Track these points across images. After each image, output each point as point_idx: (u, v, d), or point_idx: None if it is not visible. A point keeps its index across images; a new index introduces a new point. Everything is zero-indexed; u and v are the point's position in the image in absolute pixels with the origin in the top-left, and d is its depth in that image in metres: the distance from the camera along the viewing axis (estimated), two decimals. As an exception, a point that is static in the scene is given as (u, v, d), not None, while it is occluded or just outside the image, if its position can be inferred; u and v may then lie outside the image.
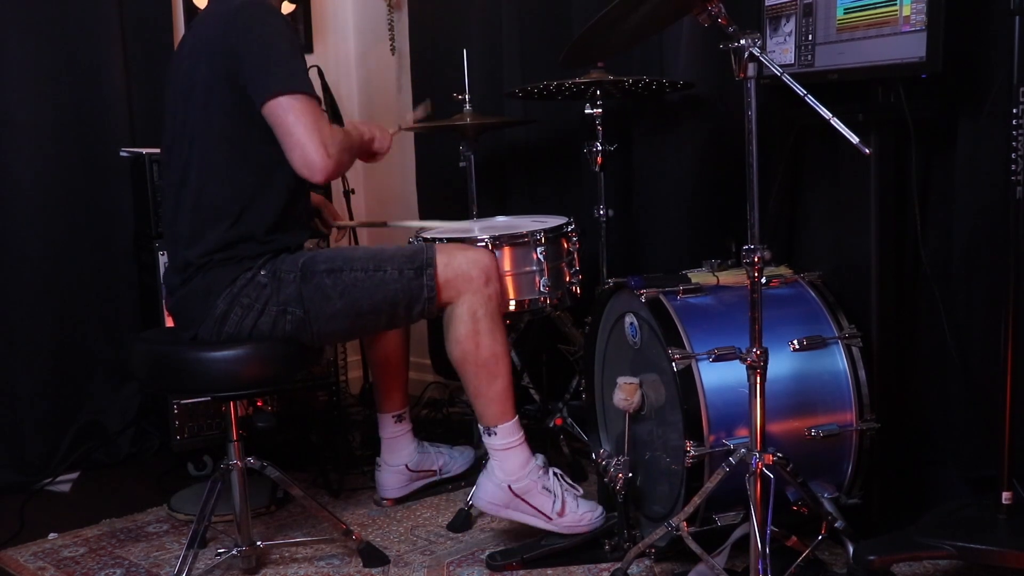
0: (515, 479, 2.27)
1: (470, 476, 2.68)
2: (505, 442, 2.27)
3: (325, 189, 3.02)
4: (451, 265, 2.22)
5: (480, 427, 2.30)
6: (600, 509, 2.33)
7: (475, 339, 2.22)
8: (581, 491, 2.36)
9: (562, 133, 3.16)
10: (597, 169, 2.74)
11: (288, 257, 2.19)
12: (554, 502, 2.28)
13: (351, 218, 3.12)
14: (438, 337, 2.37)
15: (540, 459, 2.33)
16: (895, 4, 2.08)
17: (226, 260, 2.14)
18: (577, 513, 2.29)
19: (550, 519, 2.27)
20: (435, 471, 2.73)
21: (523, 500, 2.27)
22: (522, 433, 2.30)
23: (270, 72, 2.05)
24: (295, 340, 2.17)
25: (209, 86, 2.11)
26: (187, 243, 2.17)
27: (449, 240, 2.48)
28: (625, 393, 2.19)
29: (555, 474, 2.33)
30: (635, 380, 2.19)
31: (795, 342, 2.11)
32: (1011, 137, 1.86)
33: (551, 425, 2.72)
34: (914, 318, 2.34)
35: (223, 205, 2.14)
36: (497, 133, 3.27)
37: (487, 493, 2.30)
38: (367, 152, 2.39)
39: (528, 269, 2.49)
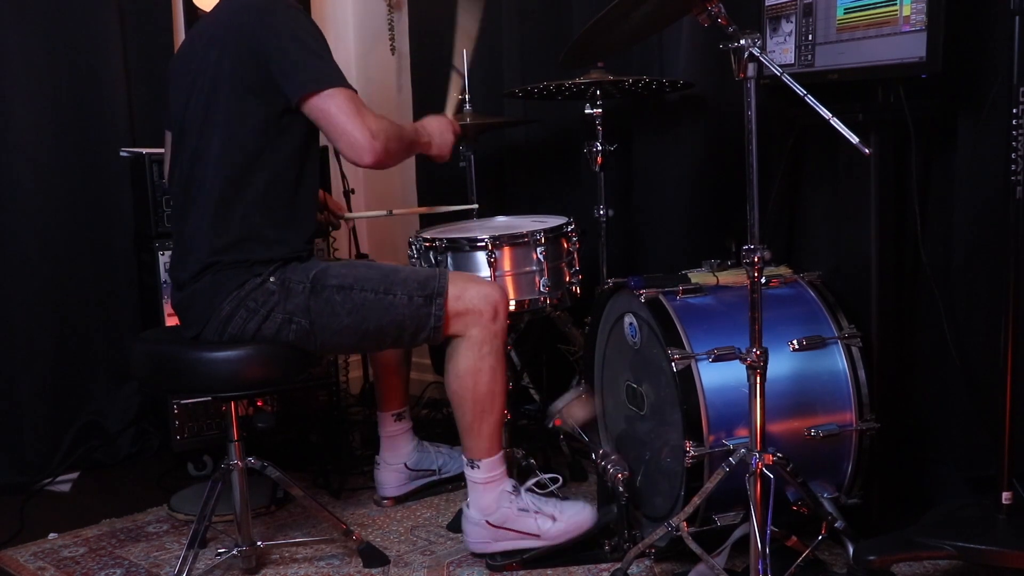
0: (489, 513, 2.25)
1: (470, 476, 2.69)
2: (487, 476, 2.26)
3: (324, 190, 3.03)
4: (462, 298, 2.19)
5: (464, 459, 2.29)
6: (588, 507, 2.30)
7: (475, 376, 2.20)
8: (560, 499, 2.32)
9: (562, 133, 3.16)
10: (597, 169, 2.74)
11: (299, 266, 2.18)
12: (528, 522, 2.26)
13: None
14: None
15: (510, 484, 2.30)
16: (895, 4, 2.09)
17: (236, 263, 2.14)
18: (563, 521, 2.26)
19: (538, 536, 2.26)
20: (434, 471, 2.73)
21: (505, 529, 2.25)
22: (504, 468, 2.29)
23: (303, 70, 2.07)
24: (297, 346, 2.17)
25: (225, 82, 2.11)
26: (195, 240, 2.17)
27: (451, 242, 2.48)
28: (577, 412, 2.17)
29: (528, 491, 2.31)
30: (576, 392, 2.17)
31: (795, 342, 2.11)
32: (1011, 137, 1.86)
33: (551, 426, 2.72)
34: (914, 318, 2.34)
35: (231, 202, 2.14)
36: (497, 133, 3.27)
37: (471, 536, 2.29)
38: (424, 145, 2.36)
39: (528, 269, 2.48)
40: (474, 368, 2.20)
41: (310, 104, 2.08)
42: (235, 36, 2.12)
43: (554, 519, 2.26)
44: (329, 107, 2.07)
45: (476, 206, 2.87)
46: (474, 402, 2.21)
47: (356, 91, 2.12)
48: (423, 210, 2.75)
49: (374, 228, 3.99)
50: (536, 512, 2.27)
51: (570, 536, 2.27)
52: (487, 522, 2.25)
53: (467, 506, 2.31)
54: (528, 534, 2.26)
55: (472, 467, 2.26)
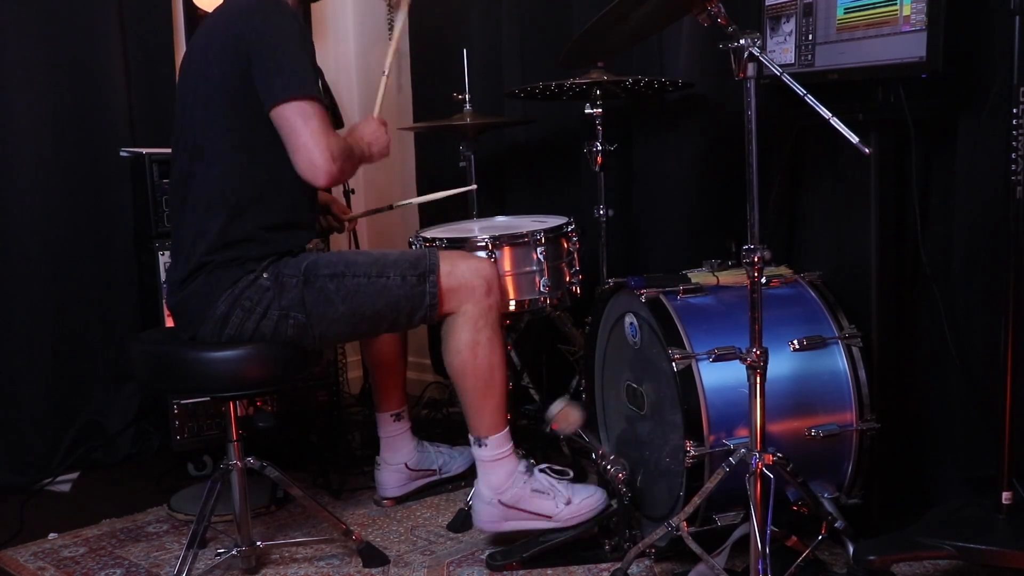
0: (502, 491, 2.26)
1: (470, 476, 2.68)
2: (494, 453, 2.26)
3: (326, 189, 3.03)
4: (453, 273, 2.21)
5: (470, 437, 2.29)
6: (600, 492, 2.31)
7: (474, 350, 2.21)
8: (571, 474, 2.34)
9: (562, 133, 3.16)
10: (597, 169, 2.74)
11: (290, 260, 2.18)
12: (540, 503, 2.26)
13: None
14: (437, 337, 2.37)
15: (523, 464, 2.31)
16: (895, 4, 2.09)
17: (228, 262, 2.14)
18: (576, 502, 2.28)
19: (550, 518, 2.27)
20: (434, 471, 2.73)
21: (517, 509, 2.27)
22: (511, 444, 2.30)
23: (279, 76, 2.06)
24: (296, 344, 2.17)
25: (218, 83, 2.11)
26: (191, 240, 2.17)
27: (451, 242, 2.49)
28: (571, 417, 2.23)
29: (541, 471, 2.32)
30: (559, 406, 2.24)
31: (795, 342, 2.11)
32: (1011, 137, 1.86)
33: (548, 431, 2.72)
34: (914, 318, 2.34)
35: (227, 202, 2.14)
36: (497, 133, 3.27)
37: (481, 514, 2.30)
38: (368, 158, 2.36)
39: (528, 269, 2.49)
40: (471, 342, 2.21)
41: (276, 113, 2.07)
42: (224, 39, 2.12)
43: (568, 501, 2.28)
44: (295, 120, 2.06)
45: (474, 187, 2.86)
46: (475, 377, 2.22)
47: (325, 104, 2.12)
48: (424, 199, 2.74)
49: (374, 227, 3.98)
50: (549, 493, 2.27)
51: (582, 519, 2.28)
52: (499, 501, 2.26)
53: (475, 487, 2.31)
54: (540, 515, 2.27)
55: (479, 445, 2.27)
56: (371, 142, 2.33)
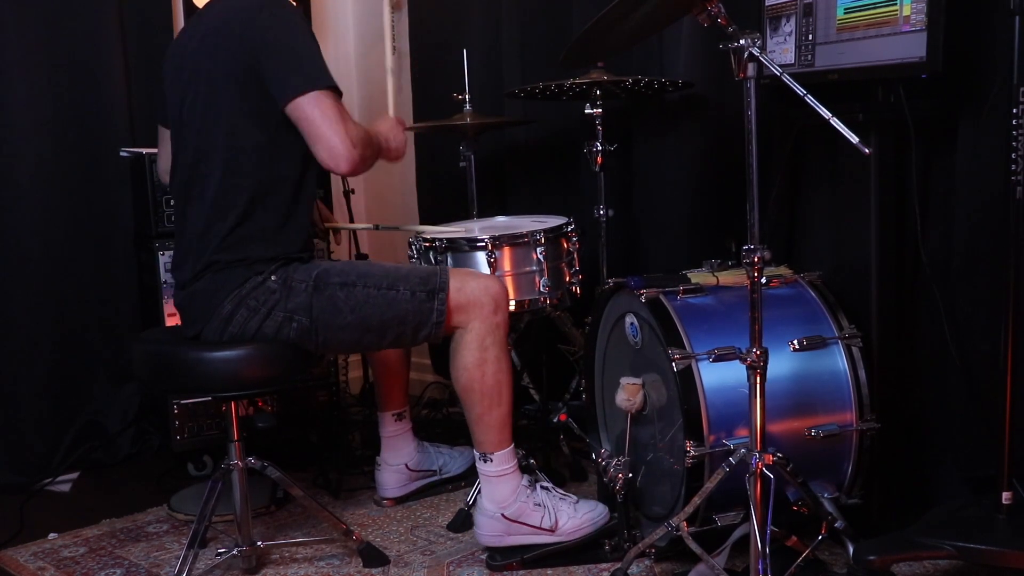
0: (505, 506, 2.26)
1: (470, 476, 2.69)
2: (500, 469, 2.27)
3: (325, 190, 3.03)
4: (463, 291, 2.21)
5: (475, 452, 2.30)
6: (602, 507, 2.33)
7: (481, 368, 2.21)
8: (575, 498, 2.35)
9: (562, 133, 3.16)
10: (597, 169, 2.74)
11: (301, 267, 2.18)
12: (543, 516, 2.27)
13: (352, 219, 3.12)
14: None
15: (526, 479, 2.32)
16: (895, 4, 2.09)
17: (236, 261, 2.14)
18: (577, 517, 2.29)
19: (552, 531, 2.27)
20: (435, 471, 2.73)
21: (519, 523, 2.27)
22: (516, 460, 2.30)
23: (293, 71, 2.06)
24: (298, 346, 2.17)
25: (222, 80, 2.10)
26: (197, 239, 2.16)
27: (450, 242, 2.49)
28: (628, 393, 2.19)
29: (543, 487, 2.33)
30: (638, 380, 2.19)
31: (795, 342, 2.11)
32: (1011, 137, 1.86)
33: (555, 421, 2.72)
34: (914, 318, 2.34)
35: (232, 201, 2.13)
36: (497, 133, 3.27)
37: (485, 528, 2.29)
38: (387, 152, 2.34)
39: (528, 269, 2.49)
40: (479, 360, 2.21)
41: (294, 106, 2.05)
42: (229, 35, 2.11)
43: (569, 516, 2.28)
44: (313, 112, 2.04)
45: (475, 228, 2.84)
46: (482, 394, 2.22)
47: (341, 92, 2.11)
48: (413, 228, 2.74)
49: (374, 228, 3.98)
50: (552, 508, 2.28)
51: (584, 533, 2.28)
52: (503, 515, 2.26)
53: (478, 501, 2.31)
54: (543, 529, 2.27)
55: (484, 461, 2.27)
56: (388, 137, 2.32)
